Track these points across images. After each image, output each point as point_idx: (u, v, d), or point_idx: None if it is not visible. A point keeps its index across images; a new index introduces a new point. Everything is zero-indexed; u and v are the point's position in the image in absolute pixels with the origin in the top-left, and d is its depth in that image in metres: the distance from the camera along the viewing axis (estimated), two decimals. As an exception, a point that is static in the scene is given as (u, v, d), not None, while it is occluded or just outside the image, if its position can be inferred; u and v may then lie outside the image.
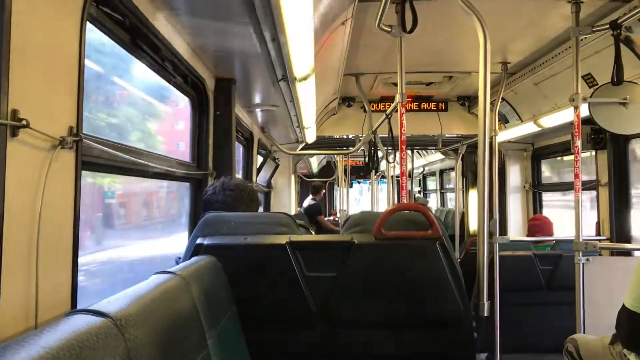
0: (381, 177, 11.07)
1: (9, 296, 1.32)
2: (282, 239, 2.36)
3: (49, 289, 1.49)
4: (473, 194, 8.91)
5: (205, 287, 1.90)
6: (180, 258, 2.46)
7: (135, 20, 2.21)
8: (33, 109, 1.40)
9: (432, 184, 14.10)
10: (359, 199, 19.08)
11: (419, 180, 15.09)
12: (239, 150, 5.22)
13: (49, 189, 1.46)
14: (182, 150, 3.43)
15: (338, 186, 11.41)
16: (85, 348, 1.05)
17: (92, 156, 1.89)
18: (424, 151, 11.11)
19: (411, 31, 2.98)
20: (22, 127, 1.33)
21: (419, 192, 14.88)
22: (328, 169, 14.29)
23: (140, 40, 2.38)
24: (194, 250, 2.30)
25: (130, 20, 2.18)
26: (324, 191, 11.22)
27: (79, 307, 1.66)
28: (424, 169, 13.74)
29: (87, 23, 1.73)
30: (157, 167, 2.60)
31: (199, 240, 2.34)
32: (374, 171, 6.85)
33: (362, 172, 13.74)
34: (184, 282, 1.73)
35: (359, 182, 17.52)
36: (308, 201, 10.37)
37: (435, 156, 10.23)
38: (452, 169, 9.69)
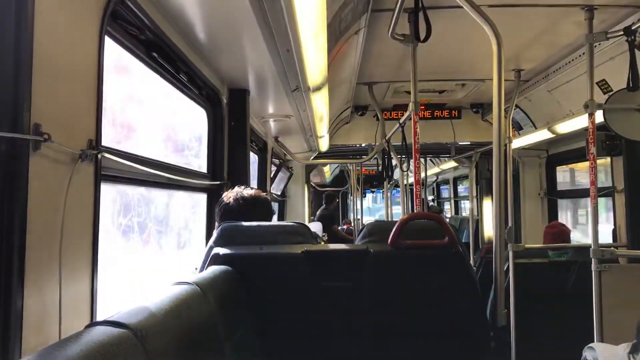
0: (395, 186, 11.05)
1: (32, 307, 1.34)
2: (298, 249, 2.37)
3: (70, 299, 1.51)
4: (487, 201, 8.87)
5: (222, 297, 1.91)
6: (197, 268, 2.48)
7: (151, 34, 2.24)
8: (54, 123, 1.43)
9: (445, 192, 14.05)
10: (371, 208, 19.00)
11: (433, 188, 15.05)
12: (253, 159, 5.25)
13: (69, 201, 1.49)
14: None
15: (351, 195, 11.40)
16: None
17: (111, 168, 1.91)
18: (437, 159, 11.09)
19: (425, 40, 2.99)
20: (44, 141, 1.36)
21: (433, 200, 14.83)
22: (341, 179, 14.30)
23: (155, 52, 2.41)
24: (211, 260, 2.31)
25: (146, 34, 2.22)
26: (337, 200, 11.23)
27: (98, 316, 1.68)
28: (437, 177, 13.70)
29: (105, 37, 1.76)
30: (174, 178, 2.63)
31: (215, 250, 2.35)
32: (387, 180, 6.86)
33: (375, 181, 13.73)
34: (201, 292, 1.74)
35: (372, 192, 17.50)
36: (321, 210, 10.38)
37: (449, 164, 10.21)
38: (466, 176, 9.66)
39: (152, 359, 1.21)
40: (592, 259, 3.28)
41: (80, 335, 1.12)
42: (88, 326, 1.21)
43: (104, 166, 1.75)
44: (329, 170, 13.24)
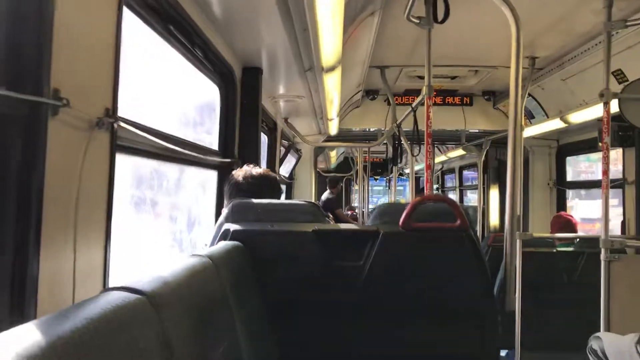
0: (399, 175, 11.03)
1: (47, 272, 1.34)
2: (308, 227, 2.37)
3: (84, 267, 1.51)
4: (494, 190, 8.85)
5: (233, 272, 1.92)
6: (207, 245, 2.49)
7: (169, 7, 2.23)
8: (72, 89, 1.42)
9: (450, 181, 14.02)
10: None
11: (438, 177, 15.01)
12: (262, 139, 5.24)
13: (85, 169, 1.48)
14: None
15: (356, 182, 11.38)
16: (123, 323, 1.07)
17: (125, 138, 1.91)
18: (443, 147, 11.05)
19: (442, 21, 2.96)
20: (62, 106, 1.36)
21: (437, 189, 14.79)
22: (345, 165, 14.29)
23: (172, 26, 2.40)
24: (221, 236, 2.31)
25: (163, 5, 2.20)
26: (340, 185, 11.25)
27: (110, 285, 1.68)
28: (442, 166, 13.66)
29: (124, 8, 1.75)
30: (186, 154, 2.63)
31: (226, 226, 2.35)
32: (395, 165, 6.84)
33: (379, 168, 13.70)
34: (214, 266, 1.74)
35: (375, 179, 17.41)
36: (326, 195, 10.41)
37: (456, 152, 10.17)
38: (472, 165, 9.62)
39: (166, 326, 1.22)
40: (602, 249, 3.27)
41: (97, 298, 1.13)
42: (104, 291, 1.22)
43: (119, 136, 1.75)
44: (335, 156, 13.22)
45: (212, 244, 2.36)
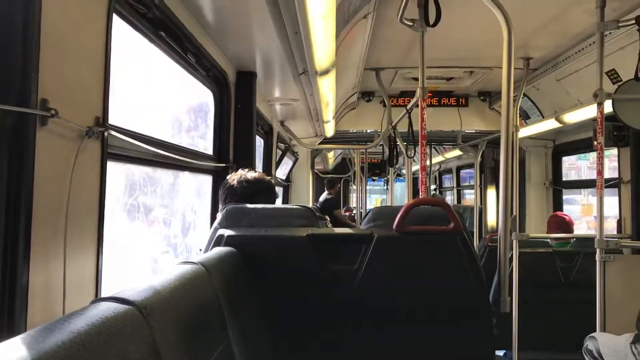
0: (396, 175, 11.05)
1: (37, 283, 1.34)
2: (302, 232, 2.36)
3: (75, 276, 1.51)
4: (491, 190, 8.85)
5: (226, 278, 1.91)
6: (201, 250, 2.48)
7: (159, 12, 2.23)
8: (61, 99, 1.42)
9: (447, 181, 14.04)
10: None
11: (435, 177, 15.02)
12: (258, 143, 5.24)
13: (75, 178, 1.48)
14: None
15: (354, 183, 11.38)
16: (112, 335, 1.07)
17: (117, 147, 1.91)
18: (441, 147, 11.06)
19: (434, 25, 2.96)
20: (51, 116, 1.35)
21: (435, 189, 14.80)
22: (343, 166, 14.31)
23: (163, 32, 2.39)
24: (216, 241, 2.31)
25: (153, 12, 2.20)
26: (339, 185, 11.27)
27: (103, 294, 1.68)
28: (440, 166, 13.68)
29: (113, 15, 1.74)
30: (180, 159, 2.62)
31: (220, 232, 2.35)
32: (392, 167, 6.84)
33: (377, 169, 13.74)
34: (206, 273, 1.73)
35: (373, 180, 17.44)
36: (324, 196, 10.42)
37: (453, 152, 10.19)
38: (469, 166, 9.62)
39: (156, 335, 1.21)
40: (597, 249, 3.27)
41: (85, 310, 1.12)
42: (93, 302, 1.21)
43: (110, 144, 1.75)
44: (333, 157, 13.23)
45: (207, 249, 2.36)
